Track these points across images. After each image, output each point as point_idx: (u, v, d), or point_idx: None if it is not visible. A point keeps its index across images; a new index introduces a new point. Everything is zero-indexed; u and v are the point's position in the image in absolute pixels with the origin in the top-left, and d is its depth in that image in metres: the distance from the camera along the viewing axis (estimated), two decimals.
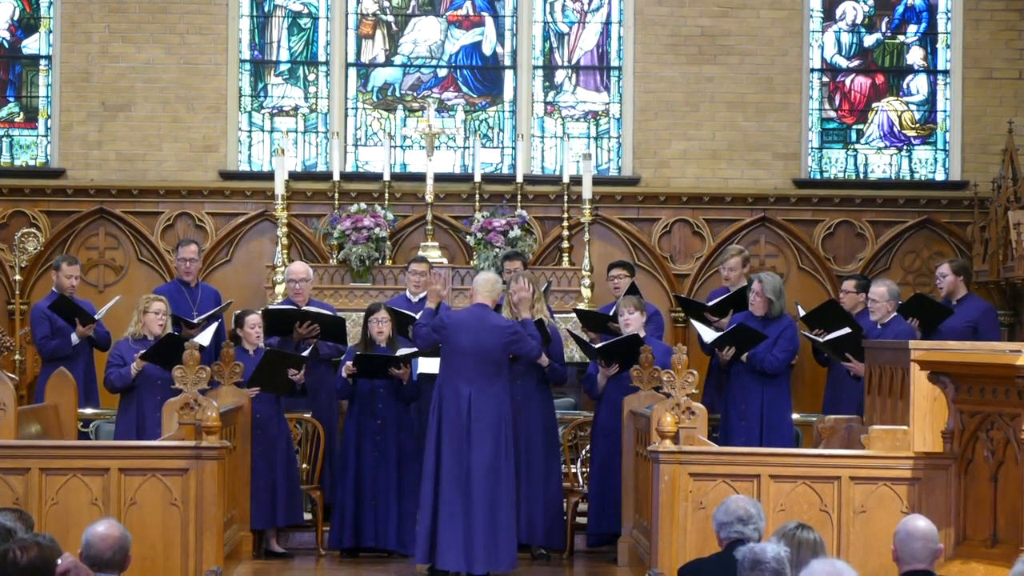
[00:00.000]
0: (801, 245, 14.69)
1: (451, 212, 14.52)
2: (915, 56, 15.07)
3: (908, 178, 14.97)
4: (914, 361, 8.83)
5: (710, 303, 12.36)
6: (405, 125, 14.88)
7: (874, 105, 15.03)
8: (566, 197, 14.20)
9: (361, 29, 14.99)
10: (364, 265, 13.85)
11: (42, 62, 14.77)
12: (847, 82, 15.05)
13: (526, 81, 14.84)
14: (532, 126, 14.87)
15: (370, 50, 15.01)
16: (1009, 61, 14.77)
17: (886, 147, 15.03)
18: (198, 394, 9.72)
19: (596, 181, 14.14)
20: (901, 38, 15.06)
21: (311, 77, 14.94)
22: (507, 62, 14.98)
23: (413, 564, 10.79)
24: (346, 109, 14.88)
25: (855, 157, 15.03)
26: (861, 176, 15.00)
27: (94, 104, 14.57)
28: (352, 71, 14.94)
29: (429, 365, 11.27)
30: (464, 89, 14.99)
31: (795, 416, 11.67)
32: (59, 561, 5.56)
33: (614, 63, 14.93)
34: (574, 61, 14.98)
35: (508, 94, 14.95)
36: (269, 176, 14.08)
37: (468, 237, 14.22)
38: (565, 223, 14.22)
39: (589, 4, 14.96)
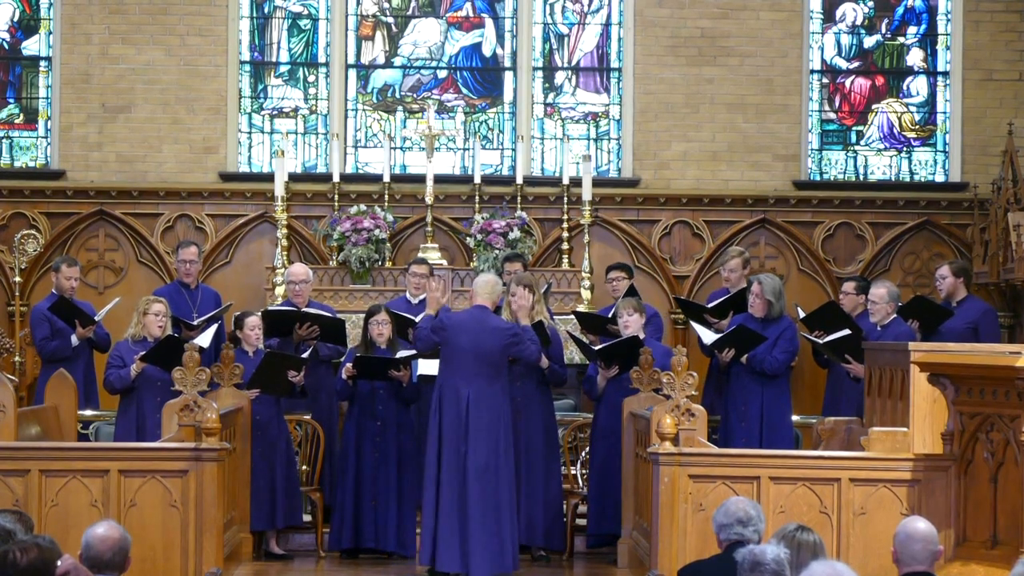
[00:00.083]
0: (801, 247, 14.69)
1: (451, 214, 14.52)
2: (915, 58, 15.07)
3: (908, 180, 14.97)
4: (914, 363, 8.83)
5: (710, 305, 12.36)
6: (405, 127, 14.89)
7: (874, 107, 15.03)
8: (566, 199, 14.20)
9: (361, 30, 14.99)
10: (364, 267, 13.85)
11: (42, 63, 14.77)
12: (847, 84, 15.05)
13: (526, 82, 14.84)
14: (532, 128, 14.88)
15: (370, 51, 15.01)
16: (1009, 63, 14.77)
17: (886, 149, 15.04)
18: (198, 396, 9.72)
19: (596, 183, 14.14)
20: (901, 40, 15.07)
21: (311, 78, 14.94)
22: (507, 63, 14.98)
23: (413, 565, 10.80)
24: (346, 110, 14.88)
25: (855, 159, 15.03)
26: (861, 178, 15.00)
27: (94, 106, 14.57)
28: (352, 72, 14.94)
29: (429, 367, 11.27)
30: (464, 91, 14.99)
31: (795, 418, 11.67)
32: (59, 563, 5.56)
33: (614, 65, 14.93)
34: (574, 63, 14.98)
35: (508, 96, 14.95)
36: (269, 178, 14.08)
37: (468, 239, 14.22)
38: (565, 225, 14.22)
39: (589, 5, 14.96)
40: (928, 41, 15.04)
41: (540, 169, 14.92)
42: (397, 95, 14.98)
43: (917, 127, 15.04)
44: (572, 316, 12.64)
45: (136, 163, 14.60)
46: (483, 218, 14.06)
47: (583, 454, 11.75)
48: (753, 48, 14.70)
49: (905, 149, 15.04)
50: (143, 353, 11.10)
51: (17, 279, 14.12)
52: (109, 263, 14.59)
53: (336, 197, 14.25)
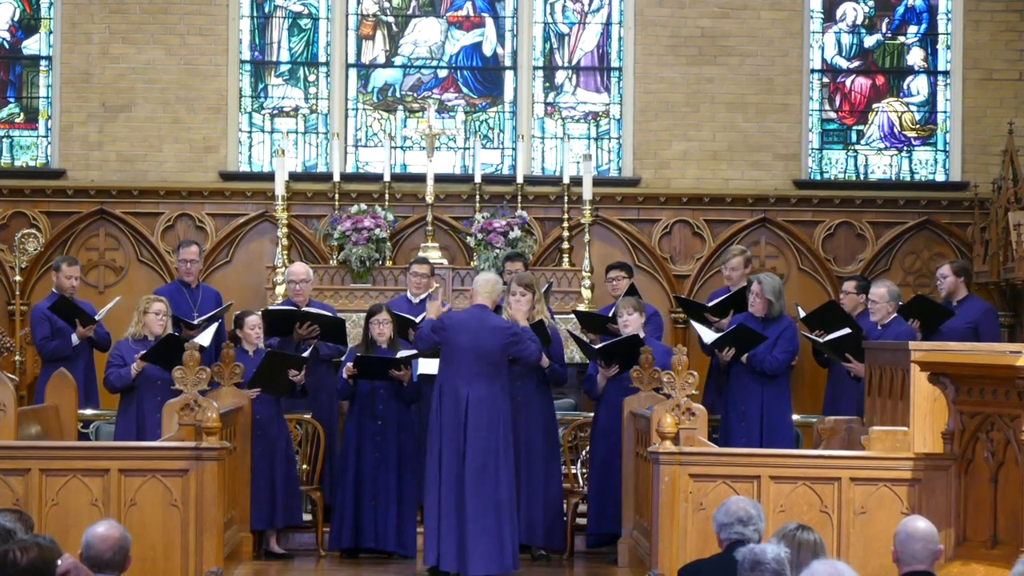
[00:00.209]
0: (801, 246, 14.68)
1: (451, 213, 14.52)
2: (915, 57, 15.07)
3: (908, 179, 14.97)
4: (914, 362, 8.83)
5: (710, 303, 12.36)
6: (405, 126, 14.88)
7: (874, 106, 15.02)
8: (566, 198, 14.20)
9: (361, 30, 14.99)
10: (364, 266, 13.85)
11: (42, 63, 14.77)
12: (847, 83, 15.05)
13: (526, 82, 14.84)
14: (532, 127, 14.87)
15: (370, 51, 15.01)
16: (1009, 62, 14.77)
17: (886, 148, 15.03)
18: (198, 395, 9.73)
19: (596, 182, 14.13)
20: (901, 39, 15.06)
21: (311, 78, 14.94)
22: (507, 63, 14.98)
23: (413, 564, 10.81)
24: (346, 110, 14.88)
25: (855, 158, 15.03)
26: (861, 177, 15.00)
27: (94, 105, 14.57)
28: (352, 72, 14.94)
29: (429, 366, 11.27)
30: (464, 90, 14.99)
31: (795, 417, 11.68)
32: (59, 562, 5.56)
33: (614, 64, 14.93)
34: (574, 62, 14.98)
35: (508, 95, 14.95)
36: (269, 177, 14.08)
37: (468, 238, 14.22)
38: (565, 224, 14.22)
39: (589, 5, 14.96)
40: (928, 40, 15.04)
41: (540, 168, 14.91)
42: (397, 94, 14.98)
43: (917, 126, 15.04)
44: (572, 315, 12.64)
45: (136, 162, 14.60)
46: (483, 217, 14.06)
47: (583, 453, 11.75)
48: (753, 47, 14.70)
49: (905, 148, 15.04)
50: (143, 352, 11.10)
51: (17, 278, 14.12)
52: (109, 262, 14.59)
53: (336, 196, 14.25)
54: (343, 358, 11.71)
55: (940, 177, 14.98)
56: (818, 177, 14.92)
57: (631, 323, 11.16)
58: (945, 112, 14.95)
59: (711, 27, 14.70)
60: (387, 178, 14.31)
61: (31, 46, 14.81)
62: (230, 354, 11.06)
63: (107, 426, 11.70)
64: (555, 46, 14.98)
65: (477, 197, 14.30)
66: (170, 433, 9.79)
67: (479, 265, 13.74)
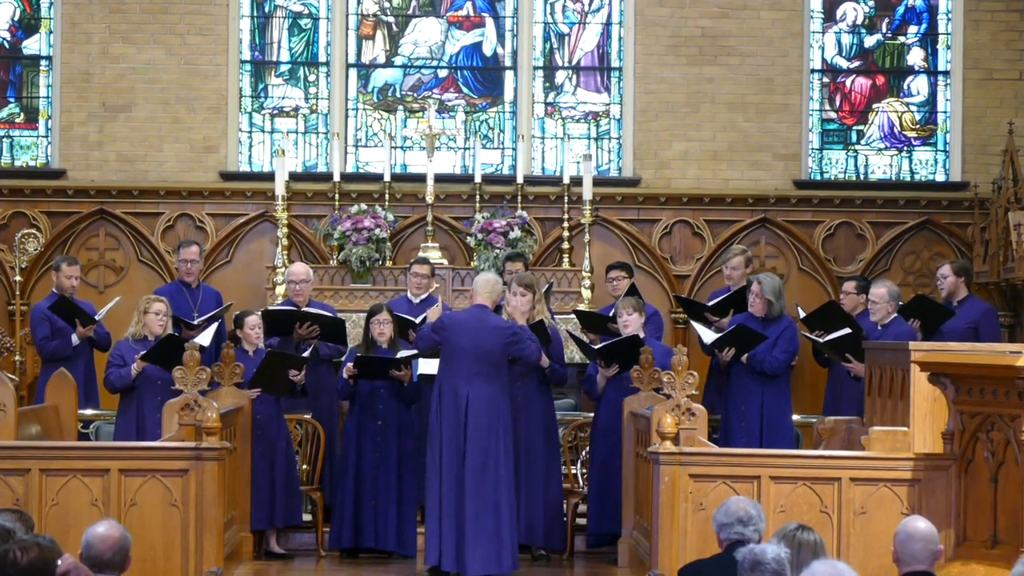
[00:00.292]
0: (801, 246, 14.68)
1: (451, 213, 14.52)
2: (915, 57, 15.07)
3: (908, 179, 14.97)
4: (914, 362, 8.83)
5: (711, 303, 12.36)
6: (405, 126, 14.88)
7: (874, 106, 15.02)
8: (566, 198, 14.20)
9: (361, 30, 14.99)
10: (364, 266, 13.85)
11: (42, 63, 14.77)
12: (847, 83, 15.05)
13: (526, 82, 14.84)
14: (532, 127, 14.87)
15: (370, 51, 15.01)
16: (1009, 62, 14.77)
17: (886, 148, 15.03)
18: (198, 395, 9.72)
19: (596, 182, 14.13)
20: (901, 39, 15.06)
21: (311, 78, 14.94)
22: (507, 63, 14.98)
23: (413, 564, 10.81)
24: (346, 110, 14.88)
25: (855, 158, 15.03)
26: (861, 177, 15.00)
27: (94, 105, 14.57)
28: (352, 72, 14.94)
29: (429, 366, 11.27)
30: (464, 90, 14.99)
31: (795, 417, 11.68)
32: (59, 562, 5.56)
33: (614, 64, 14.93)
34: (574, 62, 14.98)
35: (508, 95, 14.95)
36: (269, 177, 14.08)
37: (468, 238, 14.22)
38: (565, 224, 14.22)
39: (589, 5, 14.96)
40: (929, 40, 15.04)
41: (541, 168, 14.91)
42: (398, 94, 14.98)
43: (918, 126, 15.04)
44: (573, 315, 12.64)
45: (136, 162, 14.60)
46: (484, 217, 14.06)
47: (583, 453, 11.75)
48: (754, 47, 14.70)
49: (906, 148, 15.04)
50: (143, 352, 11.10)
51: (17, 278, 14.13)
52: (109, 262, 14.59)
53: (336, 196, 14.24)
54: (343, 358, 11.71)
55: (940, 177, 14.98)
56: (818, 177, 14.92)
57: (631, 323, 11.16)
58: (945, 112, 14.95)
59: (711, 27, 14.70)
60: (387, 178, 14.31)
61: (31, 46, 14.81)
62: (230, 354, 11.06)
63: (107, 426, 11.70)
64: (555, 46, 14.98)
65: (477, 197, 14.30)
66: (170, 433, 9.79)
67: (479, 265, 13.74)
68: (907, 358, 8.94)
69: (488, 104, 15.00)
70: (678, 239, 14.74)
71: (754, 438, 11.21)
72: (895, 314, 11.49)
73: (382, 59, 15.01)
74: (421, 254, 13.58)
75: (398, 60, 15.00)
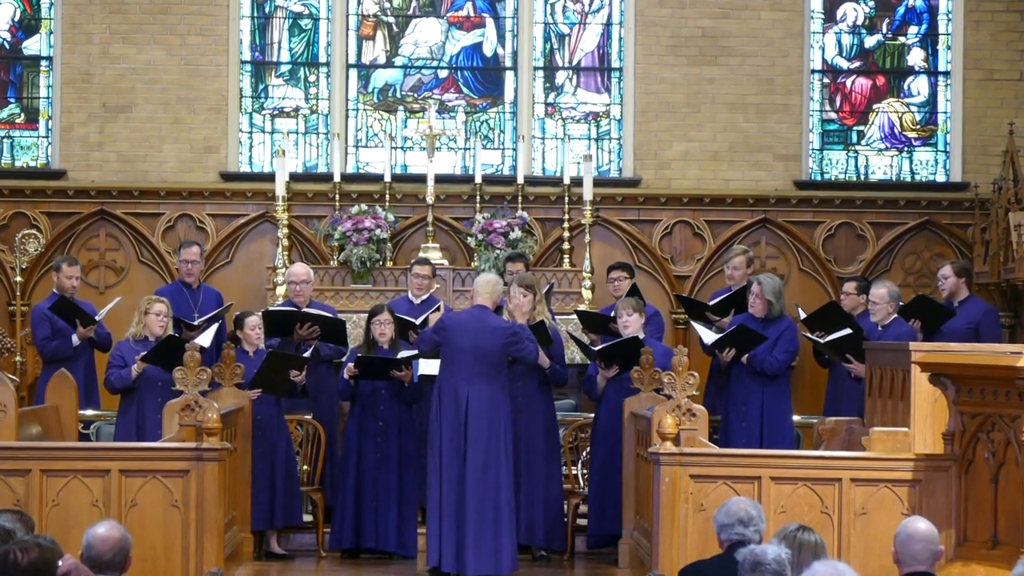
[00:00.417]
0: (802, 247, 14.68)
1: (452, 213, 14.52)
2: (916, 57, 15.07)
3: (909, 180, 14.97)
4: (915, 363, 8.83)
5: (712, 303, 12.37)
6: (406, 126, 14.88)
7: (875, 106, 15.03)
8: (567, 198, 14.20)
9: (362, 30, 14.99)
10: (365, 267, 13.85)
11: (43, 63, 14.77)
12: (848, 83, 15.05)
13: (527, 82, 14.84)
14: (533, 127, 14.87)
15: (371, 51, 15.01)
16: (1010, 62, 14.77)
17: (887, 148, 15.03)
18: (199, 396, 9.72)
19: (597, 182, 14.13)
20: (902, 39, 15.06)
21: (312, 78, 14.94)
22: (508, 63, 14.98)
23: (414, 565, 10.81)
24: (347, 110, 14.88)
25: (856, 158, 15.03)
26: (862, 177, 15.00)
27: (95, 105, 14.57)
28: (353, 72, 14.94)
29: (429, 367, 11.27)
30: (465, 90, 14.99)
31: (796, 418, 11.68)
32: (60, 563, 5.56)
33: (615, 64, 14.93)
34: (575, 62, 14.98)
35: (509, 95, 14.95)
36: (270, 177, 14.08)
37: (469, 238, 14.22)
38: (566, 224, 14.22)
39: (590, 5, 14.96)
40: (929, 41, 15.04)
41: (541, 169, 14.91)
42: (398, 95, 14.98)
43: (918, 127, 15.04)
44: (574, 316, 12.64)
45: (137, 163, 14.60)
46: (484, 218, 14.06)
47: (584, 454, 11.75)
48: (754, 48, 14.70)
49: (906, 149, 15.04)
50: (144, 353, 11.10)
51: (18, 279, 14.13)
52: (110, 263, 14.59)
53: (337, 197, 14.25)
54: (344, 359, 11.71)
55: (941, 178, 14.98)
56: (819, 178, 14.92)
57: (631, 324, 11.16)
58: (945, 113, 14.95)
59: (711, 27, 14.70)
60: (388, 179, 14.30)
61: (31, 46, 14.81)
62: (231, 355, 11.06)
63: (108, 427, 11.70)
64: (555, 46, 14.98)
65: (478, 198, 14.30)
66: (171, 434, 9.79)
67: (480, 266, 13.74)
68: (908, 359, 8.94)
69: (488, 104, 15.00)
70: (678, 240, 14.74)
71: (754, 439, 11.21)
72: (895, 315, 11.49)
73: (382, 59, 15.01)
74: (422, 255, 13.57)
75: (398, 61, 15.00)
